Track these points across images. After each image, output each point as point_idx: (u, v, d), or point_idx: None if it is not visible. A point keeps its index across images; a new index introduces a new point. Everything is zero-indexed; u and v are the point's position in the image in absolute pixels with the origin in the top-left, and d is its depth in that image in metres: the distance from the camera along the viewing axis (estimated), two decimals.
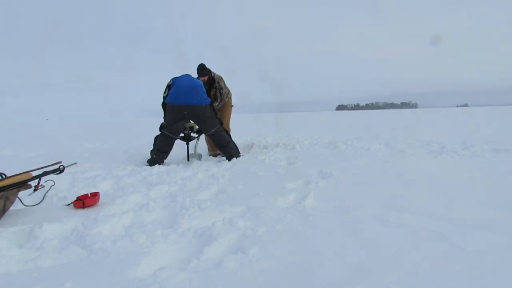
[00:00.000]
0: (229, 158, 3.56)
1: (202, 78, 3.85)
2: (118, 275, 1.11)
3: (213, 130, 3.56)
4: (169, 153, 3.51)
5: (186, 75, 3.59)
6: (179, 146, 4.91)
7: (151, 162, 3.34)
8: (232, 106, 4.24)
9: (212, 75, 3.95)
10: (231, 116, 4.35)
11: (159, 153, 3.41)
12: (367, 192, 2.11)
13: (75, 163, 3.40)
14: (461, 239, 1.34)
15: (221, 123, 3.67)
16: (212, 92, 3.98)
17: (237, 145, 3.78)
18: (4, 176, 1.80)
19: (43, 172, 2.00)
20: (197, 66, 3.89)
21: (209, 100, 3.57)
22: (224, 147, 3.61)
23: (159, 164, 3.32)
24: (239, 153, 3.68)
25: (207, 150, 4.31)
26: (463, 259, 1.18)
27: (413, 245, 1.30)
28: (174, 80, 3.54)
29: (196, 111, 3.45)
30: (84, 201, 1.89)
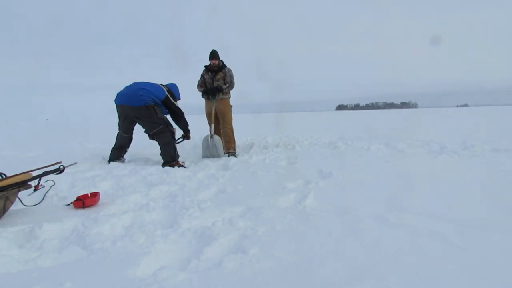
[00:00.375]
0: (163, 164, 3.33)
1: (213, 62, 4.04)
2: (118, 275, 1.11)
3: (154, 130, 3.40)
4: (125, 148, 3.61)
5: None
6: (178, 145, 4.91)
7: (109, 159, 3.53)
8: (231, 106, 4.25)
9: (222, 63, 4.11)
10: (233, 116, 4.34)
11: (114, 149, 3.56)
12: (367, 192, 2.11)
13: (75, 163, 3.40)
14: (461, 239, 1.34)
15: (167, 124, 3.47)
16: (218, 76, 4.08)
17: (172, 150, 3.47)
18: (4, 176, 1.80)
19: (43, 172, 2.00)
20: (212, 50, 4.07)
21: (150, 102, 3.39)
22: (162, 148, 3.41)
23: (115, 161, 3.49)
24: (174, 160, 3.36)
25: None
26: (463, 259, 1.18)
27: (413, 245, 1.30)
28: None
29: (135, 112, 3.38)
30: (84, 201, 1.88)
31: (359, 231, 1.45)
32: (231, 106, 4.21)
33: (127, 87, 3.52)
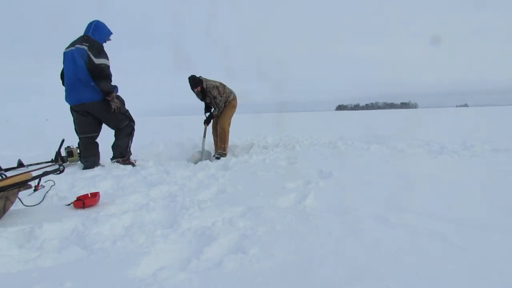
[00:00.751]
0: (112, 157, 3.22)
1: (196, 89, 3.90)
2: (118, 275, 1.11)
3: (121, 126, 3.23)
4: (95, 155, 3.23)
5: (66, 53, 3.05)
6: (178, 145, 4.91)
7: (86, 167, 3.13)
8: (234, 106, 4.22)
9: (204, 85, 3.91)
10: (233, 116, 4.31)
11: (83, 158, 3.21)
12: (367, 192, 2.11)
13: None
14: (461, 239, 1.34)
15: (129, 120, 3.31)
16: (207, 100, 4.02)
17: (130, 148, 3.30)
18: (4, 176, 1.80)
19: (43, 172, 2.00)
20: (188, 79, 3.91)
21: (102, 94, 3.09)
22: (114, 142, 3.28)
23: (92, 168, 3.08)
24: (124, 157, 3.22)
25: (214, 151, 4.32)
26: (463, 259, 1.18)
27: (413, 245, 1.30)
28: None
29: (96, 109, 3.10)
30: (84, 201, 1.88)
31: (359, 231, 1.45)
32: (233, 106, 4.19)
33: (68, 80, 3.12)
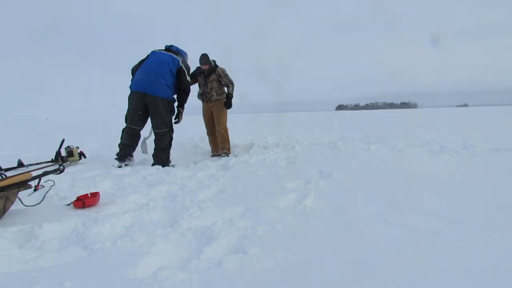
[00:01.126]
0: (153, 164, 3.27)
1: (204, 67, 3.96)
2: (118, 275, 1.11)
3: (160, 130, 3.31)
4: (135, 146, 3.37)
5: (158, 52, 3.41)
6: (178, 145, 4.92)
7: (118, 156, 3.27)
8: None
9: (214, 63, 4.03)
10: (228, 116, 4.30)
11: (124, 146, 3.32)
12: (367, 192, 2.11)
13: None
14: (461, 239, 1.34)
15: (170, 128, 3.40)
16: (212, 78, 4.03)
17: (170, 155, 3.41)
18: (4, 176, 1.80)
19: (43, 172, 2.00)
20: (201, 54, 3.95)
21: (172, 96, 3.38)
22: (156, 151, 3.34)
23: (125, 159, 3.25)
24: (167, 165, 3.30)
25: (210, 151, 4.32)
26: (463, 259, 1.18)
27: (413, 245, 1.30)
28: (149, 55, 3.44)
29: (155, 103, 3.26)
30: (84, 201, 1.88)
31: (359, 231, 1.45)
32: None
33: (146, 71, 3.30)
